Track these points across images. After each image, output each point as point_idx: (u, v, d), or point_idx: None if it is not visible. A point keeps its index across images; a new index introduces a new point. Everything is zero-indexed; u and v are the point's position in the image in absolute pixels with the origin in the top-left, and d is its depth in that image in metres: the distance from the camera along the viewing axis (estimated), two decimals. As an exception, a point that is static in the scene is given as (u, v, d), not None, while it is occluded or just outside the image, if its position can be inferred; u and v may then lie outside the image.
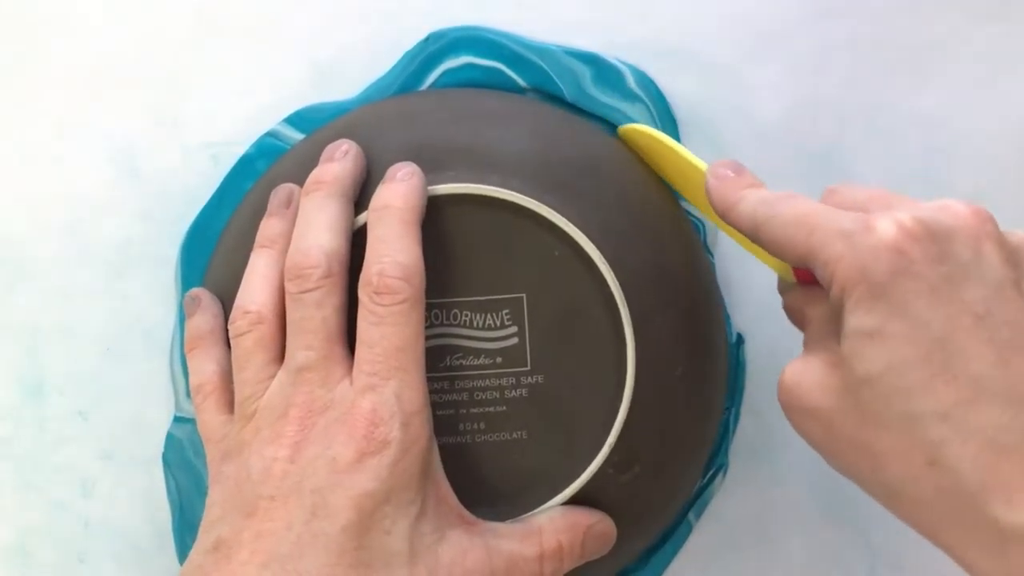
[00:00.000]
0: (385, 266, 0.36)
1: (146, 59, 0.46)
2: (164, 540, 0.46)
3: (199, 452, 0.45)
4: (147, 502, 0.46)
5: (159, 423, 0.46)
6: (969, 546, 0.31)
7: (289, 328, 0.37)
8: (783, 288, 0.39)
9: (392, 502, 0.35)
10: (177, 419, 0.45)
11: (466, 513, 0.37)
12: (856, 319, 0.33)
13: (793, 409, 0.35)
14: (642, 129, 0.43)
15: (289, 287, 0.37)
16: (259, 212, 0.41)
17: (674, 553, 0.45)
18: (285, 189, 0.40)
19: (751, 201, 0.37)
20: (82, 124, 0.46)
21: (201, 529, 0.37)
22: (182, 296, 0.45)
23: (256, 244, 0.40)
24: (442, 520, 0.36)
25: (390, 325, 0.36)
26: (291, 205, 0.40)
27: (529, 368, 0.39)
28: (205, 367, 0.40)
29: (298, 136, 0.45)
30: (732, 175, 0.38)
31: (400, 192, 0.38)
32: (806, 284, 0.37)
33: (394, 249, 0.37)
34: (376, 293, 0.36)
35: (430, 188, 0.38)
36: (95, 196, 0.46)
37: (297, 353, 0.37)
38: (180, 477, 0.45)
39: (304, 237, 0.38)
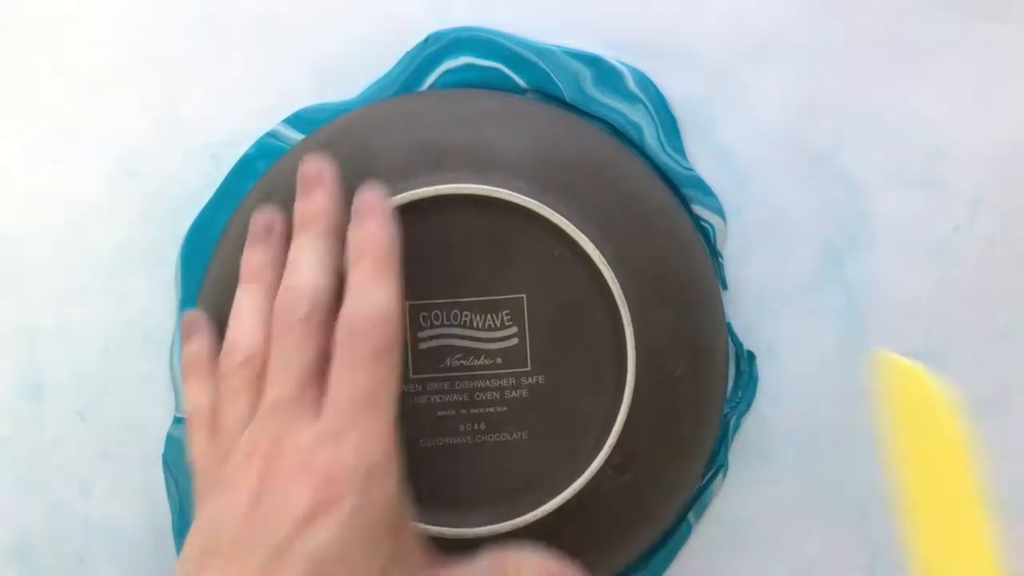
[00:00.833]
0: (359, 308, 0.36)
1: (146, 59, 0.46)
2: (163, 540, 0.46)
3: (199, 452, 0.45)
4: (146, 502, 0.46)
5: (158, 423, 0.46)
6: None
7: (269, 366, 0.37)
8: None
9: (347, 562, 0.33)
10: (177, 420, 0.45)
11: (433, 560, 0.36)
12: None
13: None
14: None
15: (274, 326, 0.37)
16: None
17: (674, 554, 0.45)
18: (264, 217, 0.40)
19: None
20: (82, 125, 0.46)
21: (178, 561, 0.36)
22: (182, 296, 0.45)
23: (241, 278, 0.39)
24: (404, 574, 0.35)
25: (360, 370, 0.35)
26: (273, 231, 0.39)
27: (529, 368, 0.39)
28: (200, 397, 0.40)
29: (298, 136, 0.44)
30: None
31: (372, 236, 0.37)
32: None
33: (369, 293, 0.36)
34: (348, 336, 0.35)
35: (431, 188, 0.38)
36: (95, 196, 0.46)
37: (271, 392, 0.36)
38: (180, 477, 0.45)
39: (292, 276, 0.37)
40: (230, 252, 0.42)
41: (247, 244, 0.40)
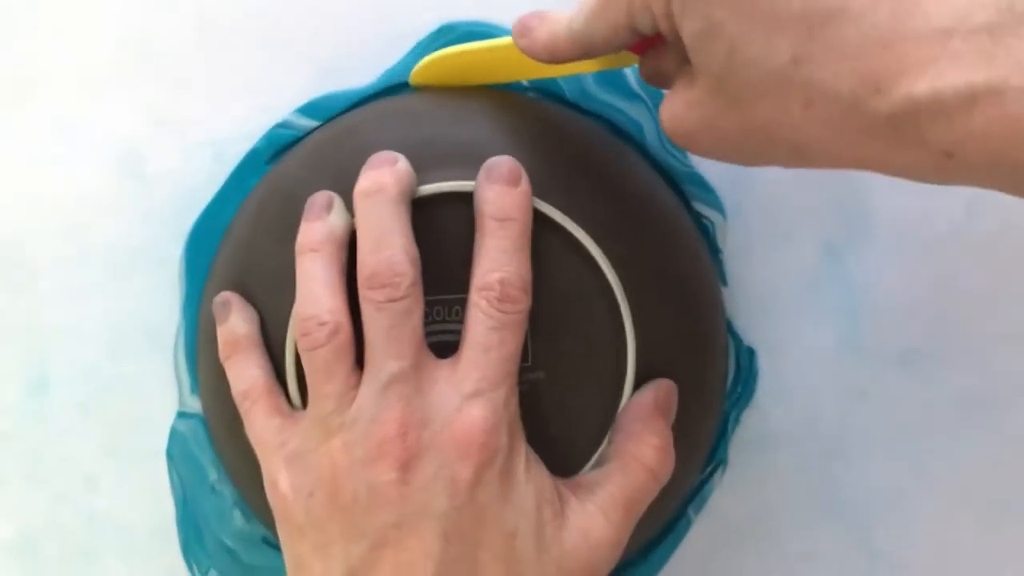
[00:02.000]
0: (508, 275, 0.37)
1: (146, 59, 0.46)
2: (167, 534, 0.46)
3: (202, 446, 0.45)
4: (150, 496, 0.46)
5: (162, 418, 0.46)
6: (874, 150, 0.32)
7: (374, 337, 0.36)
8: (641, 68, 0.39)
9: (510, 506, 0.36)
10: (180, 414, 0.46)
11: (562, 484, 0.38)
12: (687, 30, 0.34)
13: (682, 136, 0.36)
14: (438, 57, 0.42)
15: (373, 295, 0.36)
16: (265, 209, 0.41)
17: (673, 548, 0.45)
18: (324, 196, 0.39)
19: (562, 30, 0.37)
20: (83, 124, 0.46)
21: (302, 550, 0.37)
22: (186, 293, 0.45)
23: (303, 248, 0.38)
24: (553, 504, 0.37)
25: (510, 332, 0.36)
26: (333, 209, 0.39)
27: (530, 364, 0.39)
28: (248, 372, 0.39)
29: (310, 124, 0.44)
30: (536, 24, 0.38)
31: (522, 202, 0.38)
32: (647, 49, 0.38)
33: (516, 261, 0.37)
34: (499, 300, 0.36)
35: (432, 186, 0.39)
36: (97, 196, 0.46)
37: (387, 363, 0.36)
38: (183, 471, 0.45)
39: (384, 243, 0.37)
40: (236, 249, 0.42)
41: (304, 220, 0.39)
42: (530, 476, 0.37)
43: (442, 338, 0.39)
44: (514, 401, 0.37)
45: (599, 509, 0.38)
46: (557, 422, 0.39)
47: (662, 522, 0.45)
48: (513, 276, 0.37)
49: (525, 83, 0.45)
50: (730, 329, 0.46)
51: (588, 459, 0.39)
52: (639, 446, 0.39)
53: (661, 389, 0.40)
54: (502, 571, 0.36)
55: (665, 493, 0.39)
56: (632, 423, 0.39)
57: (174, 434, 0.46)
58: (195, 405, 0.45)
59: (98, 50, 0.46)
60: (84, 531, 0.46)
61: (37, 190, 0.46)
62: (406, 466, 0.35)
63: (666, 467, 0.39)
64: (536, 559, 0.36)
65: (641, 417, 0.39)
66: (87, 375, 0.46)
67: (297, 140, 0.45)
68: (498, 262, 0.37)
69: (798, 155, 0.34)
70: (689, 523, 0.46)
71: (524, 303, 0.37)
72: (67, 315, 0.46)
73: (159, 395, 0.46)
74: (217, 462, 0.45)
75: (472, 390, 0.36)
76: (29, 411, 0.46)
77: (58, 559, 0.46)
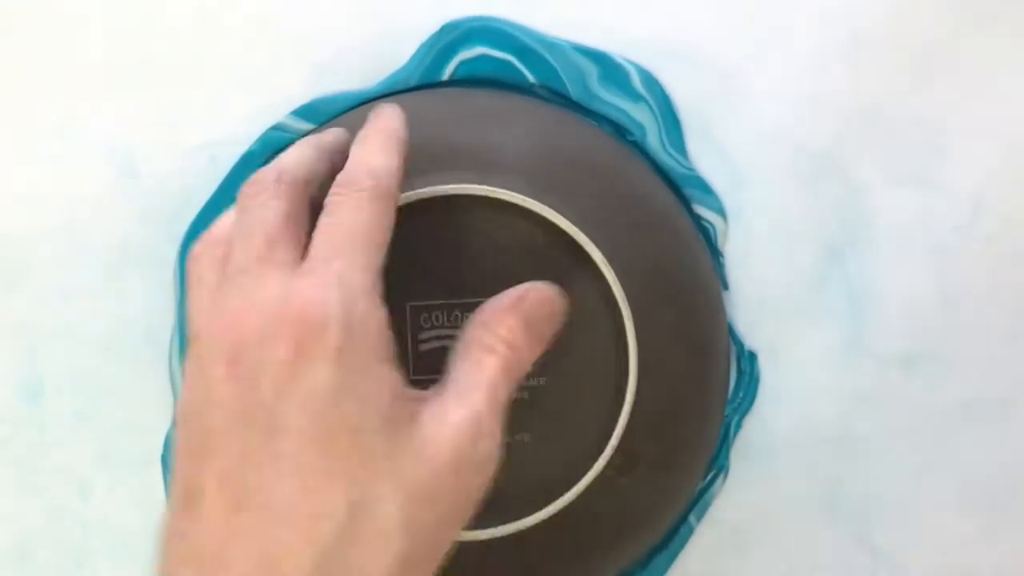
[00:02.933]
0: (356, 167, 0.34)
1: (145, 59, 0.45)
2: (162, 542, 0.46)
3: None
4: (145, 504, 0.46)
5: (157, 424, 0.46)
6: None
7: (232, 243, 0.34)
8: None
9: (349, 399, 0.30)
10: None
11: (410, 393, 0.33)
12: None
13: None
14: None
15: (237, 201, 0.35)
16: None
17: (675, 555, 0.45)
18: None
19: None
20: (81, 124, 0.45)
21: (172, 470, 0.33)
22: (181, 296, 0.45)
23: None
24: (406, 402, 0.32)
25: (346, 211, 0.33)
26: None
27: (532, 370, 0.39)
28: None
29: (307, 127, 0.44)
30: None
31: (384, 120, 0.37)
32: None
33: (371, 156, 0.35)
34: (344, 186, 0.34)
35: (431, 189, 0.38)
36: (94, 196, 0.46)
37: (233, 257, 0.33)
38: (179, 479, 0.45)
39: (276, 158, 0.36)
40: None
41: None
42: (390, 371, 0.32)
43: (442, 343, 0.39)
44: (362, 278, 0.32)
45: (450, 396, 0.32)
46: (558, 428, 0.39)
47: (664, 530, 0.44)
48: (355, 166, 0.34)
49: (532, 78, 0.44)
50: (731, 333, 0.45)
51: (591, 467, 0.39)
52: (482, 334, 0.34)
53: (527, 293, 0.35)
54: (335, 470, 0.30)
55: (667, 501, 0.39)
56: (474, 327, 0.34)
57: (169, 442, 0.45)
58: (190, 412, 0.45)
59: (96, 50, 0.45)
60: (78, 539, 0.46)
61: (34, 189, 0.46)
62: (234, 359, 0.31)
63: (517, 337, 0.34)
64: (388, 456, 0.31)
65: (484, 320, 0.34)
66: (81, 380, 0.46)
67: (292, 143, 0.44)
68: (352, 160, 0.35)
69: None
70: (691, 530, 0.45)
71: (366, 184, 0.33)
72: (61, 317, 0.46)
73: (155, 400, 0.46)
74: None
75: (301, 270, 0.32)
76: (22, 416, 0.46)
77: (51, 567, 0.46)
